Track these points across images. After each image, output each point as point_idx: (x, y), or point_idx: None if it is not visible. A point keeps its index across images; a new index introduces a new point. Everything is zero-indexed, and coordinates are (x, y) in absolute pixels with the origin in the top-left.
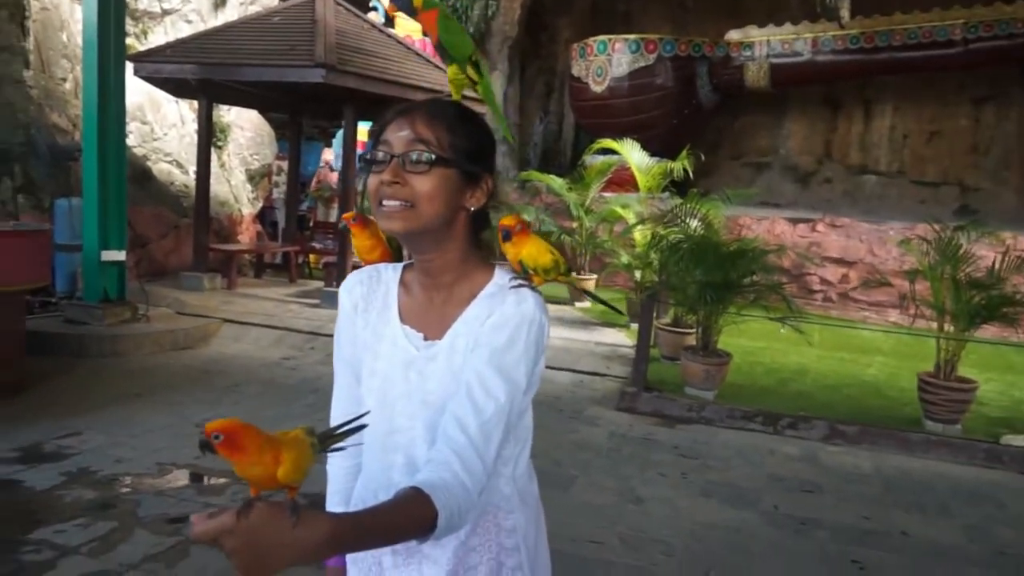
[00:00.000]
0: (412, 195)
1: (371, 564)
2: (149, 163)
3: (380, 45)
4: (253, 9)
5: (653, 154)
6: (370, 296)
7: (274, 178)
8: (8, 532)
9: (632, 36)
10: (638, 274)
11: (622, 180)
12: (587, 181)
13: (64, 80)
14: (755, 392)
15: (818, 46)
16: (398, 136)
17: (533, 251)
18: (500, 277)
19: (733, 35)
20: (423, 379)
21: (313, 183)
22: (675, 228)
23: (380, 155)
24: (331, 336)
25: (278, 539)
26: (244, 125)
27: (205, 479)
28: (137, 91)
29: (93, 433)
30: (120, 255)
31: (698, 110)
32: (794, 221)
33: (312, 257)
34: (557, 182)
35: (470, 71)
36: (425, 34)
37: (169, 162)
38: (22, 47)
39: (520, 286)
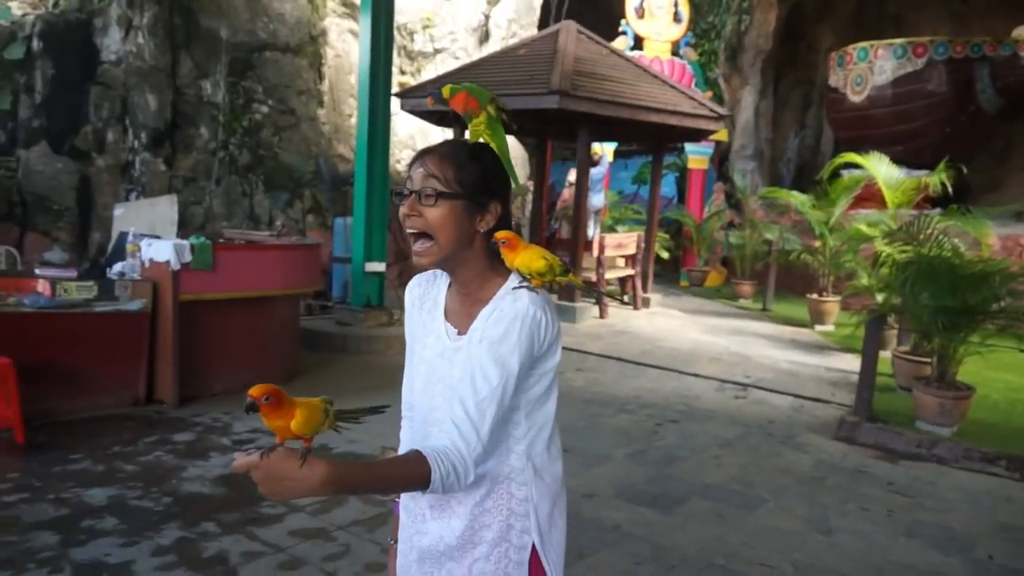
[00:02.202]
0: (426, 224)
1: (417, 514)
2: None
3: (616, 69)
4: (513, 43)
5: (922, 166)
6: (424, 296)
7: (521, 198)
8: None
9: (898, 40)
10: (880, 297)
11: (874, 196)
12: (832, 198)
13: (350, 116)
14: (1008, 433)
15: None
16: (417, 173)
17: (525, 259)
18: (511, 281)
19: (1022, 31)
20: (451, 366)
21: (559, 202)
22: (907, 247)
23: (404, 190)
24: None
25: (288, 474)
26: None
27: None
28: (411, 123)
29: None
30: (380, 267)
31: (977, 116)
32: None
33: None
34: (799, 199)
35: (487, 125)
36: (678, 53)
37: None
38: (318, 90)
39: (519, 288)
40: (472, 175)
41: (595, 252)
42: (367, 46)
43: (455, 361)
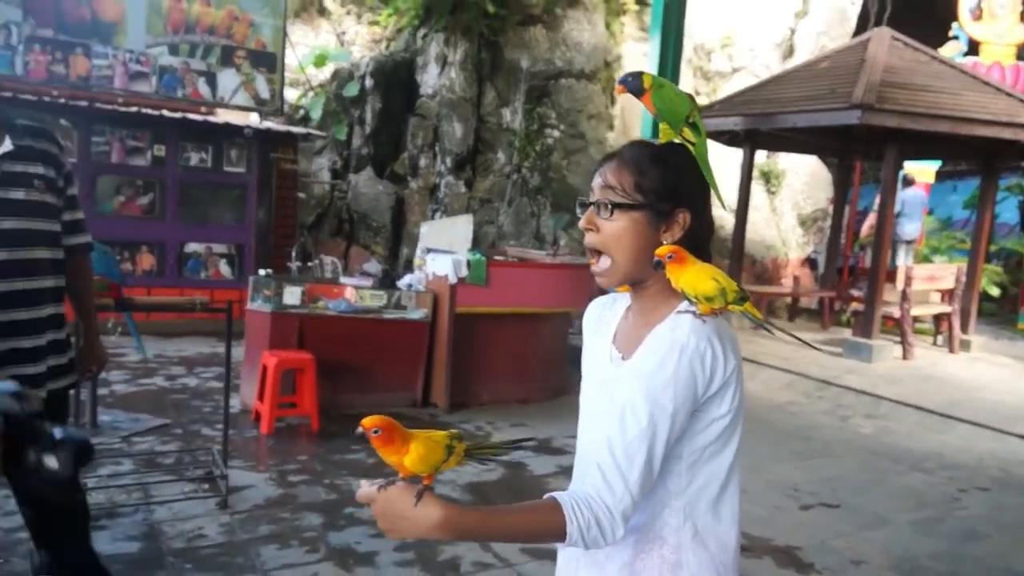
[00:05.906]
0: (602, 240)
1: (572, 559)
2: None
3: (936, 78)
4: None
5: None
6: (599, 320)
7: (819, 223)
8: (496, 501)
9: None
10: None
11: None
12: None
13: None
14: None
15: None
16: (596, 183)
17: (692, 278)
18: (684, 305)
19: None
20: (611, 397)
21: (864, 228)
22: None
23: (587, 200)
24: (843, 388)
25: (403, 512)
26: (799, 171)
27: None
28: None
29: None
30: None
31: None
32: None
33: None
34: None
35: (686, 132)
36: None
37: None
38: (609, 114)
39: (683, 313)
40: (655, 181)
41: (899, 284)
42: (655, 67)
43: (615, 391)
